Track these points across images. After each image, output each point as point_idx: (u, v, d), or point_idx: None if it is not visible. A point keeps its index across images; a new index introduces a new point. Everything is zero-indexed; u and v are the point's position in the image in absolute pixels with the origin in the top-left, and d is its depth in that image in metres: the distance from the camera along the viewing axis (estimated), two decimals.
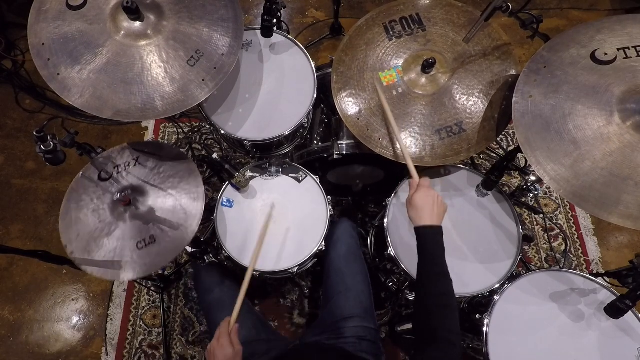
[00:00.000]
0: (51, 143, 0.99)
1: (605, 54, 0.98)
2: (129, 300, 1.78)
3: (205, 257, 1.42)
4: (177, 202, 1.13)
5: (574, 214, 1.95)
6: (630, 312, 1.03)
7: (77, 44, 1.07)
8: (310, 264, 1.39)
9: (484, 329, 1.14)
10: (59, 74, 1.06)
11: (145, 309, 1.77)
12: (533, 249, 1.88)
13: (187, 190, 1.15)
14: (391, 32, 1.27)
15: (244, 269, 1.27)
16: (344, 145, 1.40)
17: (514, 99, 1.02)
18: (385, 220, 1.30)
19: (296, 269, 1.30)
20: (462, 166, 1.37)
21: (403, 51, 1.25)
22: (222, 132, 1.35)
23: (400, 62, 1.24)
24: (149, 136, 2.14)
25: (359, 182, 1.64)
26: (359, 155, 1.40)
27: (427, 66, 1.18)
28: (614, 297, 1.09)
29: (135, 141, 1.28)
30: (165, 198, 1.14)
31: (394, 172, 1.47)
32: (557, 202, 1.98)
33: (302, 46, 1.43)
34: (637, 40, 0.99)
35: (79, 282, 1.82)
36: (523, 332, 1.14)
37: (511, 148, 1.89)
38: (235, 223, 1.32)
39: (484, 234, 1.28)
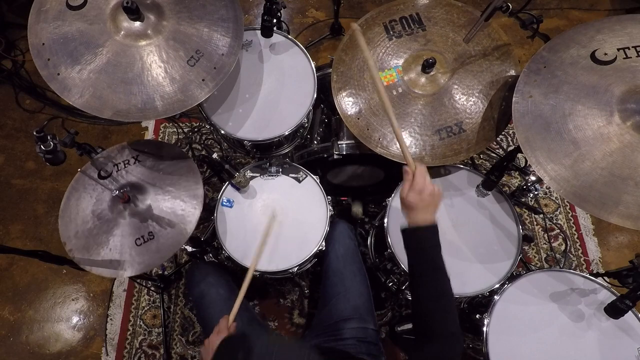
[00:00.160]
0: (51, 143, 1.00)
1: (605, 54, 0.98)
2: (129, 300, 1.78)
3: (205, 257, 1.42)
4: (176, 199, 1.14)
5: (574, 214, 1.95)
6: (630, 312, 1.03)
7: (77, 44, 1.08)
8: (310, 264, 1.39)
9: (484, 329, 1.14)
10: (59, 74, 1.06)
11: (145, 309, 1.77)
12: (533, 249, 1.88)
13: (186, 188, 1.15)
14: (391, 32, 1.27)
15: (244, 269, 1.27)
16: (344, 145, 1.40)
17: (514, 99, 1.02)
18: (385, 220, 1.30)
19: (296, 269, 1.30)
20: (462, 166, 1.37)
21: (403, 51, 1.25)
22: (222, 132, 1.35)
23: (400, 61, 1.24)
24: (149, 136, 2.14)
25: (357, 184, 1.64)
26: (359, 155, 1.40)
27: (427, 66, 1.18)
28: (614, 297, 1.09)
29: (135, 140, 1.28)
30: (164, 196, 1.14)
31: (394, 172, 1.46)
32: (557, 202, 1.98)
33: (302, 46, 1.43)
34: (637, 40, 0.99)
35: (79, 282, 1.82)
36: (523, 332, 1.14)
37: (511, 148, 1.89)
38: (235, 223, 1.32)
39: (484, 234, 1.28)
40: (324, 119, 1.63)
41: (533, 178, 1.32)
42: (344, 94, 1.25)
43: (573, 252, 1.87)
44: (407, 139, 1.19)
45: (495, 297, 1.17)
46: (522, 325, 1.14)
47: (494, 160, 2.02)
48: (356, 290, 1.25)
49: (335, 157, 1.38)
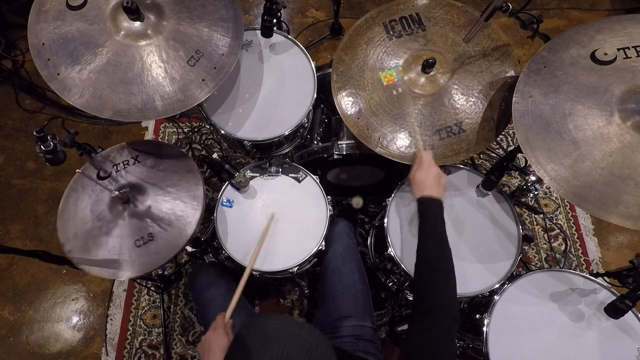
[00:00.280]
0: (51, 143, 0.99)
1: (605, 54, 0.98)
2: (129, 300, 1.78)
3: (205, 257, 1.42)
4: (177, 200, 1.13)
5: (574, 214, 1.95)
6: (630, 312, 1.03)
7: (77, 44, 1.07)
8: (309, 264, 1.39)
9: (484, 329, 1.14)
10: (59, 74, 1.06)
11: (145, 309, 1.77)
12: (533, 249, 1.88)
13: (186, 189, 1.15)
14: (391, 32, 1.27)
15: (244, 269, 1.27)
16: (344, 145, 1.40)
17: (514, 99, 1.02)
18: (385, 220, 1.30)
19: (296, 269, 1.30)
20: (462, 166, 1.37)
21: (403, 51, 1.25)
22: (222, 132, 1.35)
23: (400, 61, 1.24)
24: (149, 136, 2.14)
25: (357, 184, 1.64)
26: (359, 155, 1.40)
27: (427, 66, 1.18)
28: (614, 297, 1.09)
29: (135, 140, 1.28)
30: (164, 196, 1.14)
31: (394, 172, 1.47)
32: (557, 202, 1.98)
33: (302, 46, 1.43)
34: (637, 40, 0.99)
35: (79, 282, 1.82)
36: (523, 332, 1.14)
37: (511, 148, 1.89)
38: (235, 223, 1.32)
39: (484, 234, 1.28)
40: (324, 119, 1.63)
41: (533, 178, 1.32)
42: (343, 93, 1.25)
43: (573, 252, 1.87)
44: (408, 139, 1.19)
45: (495, 297, 1.17)
46: (522, 325, 1.14)
47: (494, 160, 2.02)
48: (354, 288, 1.25)
49: (335, 157, 1.38)
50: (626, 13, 2.39)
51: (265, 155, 1.50)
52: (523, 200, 1.47)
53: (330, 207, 1.34)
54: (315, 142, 1.58)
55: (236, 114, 1.37)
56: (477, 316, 1.27)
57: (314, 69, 1.40)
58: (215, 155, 1.27)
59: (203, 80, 1.11)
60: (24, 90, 2.23)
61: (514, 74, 1.20)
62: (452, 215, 1.31)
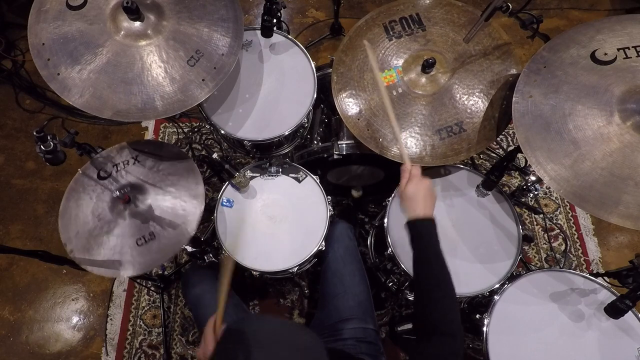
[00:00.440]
0: (51, 143, 0.99)
1: (605, 54, 0.98)
2: (129, 300, 1.78)
3: (206, 257, 1.42)
4: (177, 199, 1.14)
5: (574, 214, 1.95)
6: (630, 312, 1.03)
7: (77, 44, 1.07)
8: (310, 264, 1.39)
9: (484, 329, 1.14)
10: (59, 74, 1.06)
11: (145, 309, 1.77)
12: (533, 249, 1.88)
13: (186, 188, 1.15)
14: (391, 32, 1.27)
15: (243, 269, 1.28)
16: (344, 145, 1.40)
17: (514, 98, 1.02)
18: (385, 220, 1.30)
19: (296, 269, 1.30)
20: (462, 166, 1.37)
21: (403, 51, 1.25)
22: (222, 132, 1.35)
23: (400, 62, 1.24)
24: (149, 136, 2.14)
25: (357, 184, 1.64)
26: (359, 155, 1.40)
27: (427, 66, 1.18)
28: (614, 297, 1.09)
29: (135, 140, 1.28)
30: (164, 196, 1.14)
31: (394, 172, 1.46)
32: (557, 202, 1.98)
33: (302, 46, 1.43)
34: (637, 40, 0.99)
35: (79, 282, 1.82)
36: (523, 332, 1.14)
37: (511, 148, 1.89)
38: (235, 223, 1.32)
39: (484, 234, 1.28)
40: (324, 119, 1.63)
41: (533, 178, 1.32)
42: (344, 95, 1.25)
43: (573, 252, 1.87)
44: (408, 139, 1.19)
45: (495, 297, 1.17)
46: (522, 325, 1.14)
47: (494, 160, 2.02)
48: (355, 290, 1.25)
49: (335, 157, 1.38)
50: (626, 13, 2.39)
51: (265, 155, 1.50)
52: (523, 200, 1.47)
53: (330, 207, 1.34)
54: (315, 142, 1.58)
55: (236, 114, 1.37)
56: (477, 316, 1.27)
57: (314, 69, 1.40)
58: (215, 155, 1.27)
59: (203, 80, 1.11)
60: (24, 90, 2.23)
61: (515, 72, 1.19)
62: (452, 215, 1.31)
